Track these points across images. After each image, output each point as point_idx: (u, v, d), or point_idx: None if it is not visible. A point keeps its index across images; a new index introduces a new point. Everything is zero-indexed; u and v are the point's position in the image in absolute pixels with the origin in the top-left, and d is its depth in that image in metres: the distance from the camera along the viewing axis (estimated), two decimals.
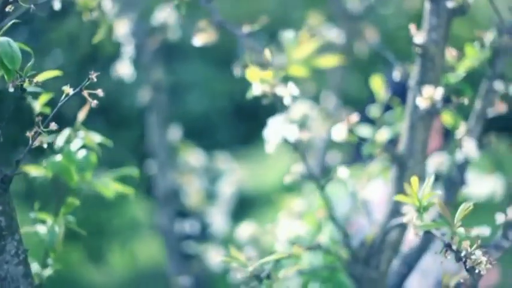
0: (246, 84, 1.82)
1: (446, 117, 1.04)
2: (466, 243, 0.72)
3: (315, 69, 0.83)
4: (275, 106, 1.17)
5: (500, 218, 0.89)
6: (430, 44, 0.88)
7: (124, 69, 1.09)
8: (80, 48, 1.64)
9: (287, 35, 0.76)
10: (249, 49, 0.78)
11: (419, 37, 0.86)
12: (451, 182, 1.01)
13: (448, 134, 1.49)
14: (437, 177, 1.06)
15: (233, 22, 0.94)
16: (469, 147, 0.99)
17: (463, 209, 0.73)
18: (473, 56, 1.01)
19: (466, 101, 0.91)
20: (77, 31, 1.58)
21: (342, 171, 0.86)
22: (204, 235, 1.27)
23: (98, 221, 1.98)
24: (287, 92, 0.79)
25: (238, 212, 1.31)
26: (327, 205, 0.86)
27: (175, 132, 1.19)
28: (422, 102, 0.85)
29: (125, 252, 2.01)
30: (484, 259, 0.72)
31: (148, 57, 1.15)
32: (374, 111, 1.05)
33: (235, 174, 1.29)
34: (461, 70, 1.01)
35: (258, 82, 0.79)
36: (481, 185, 1.61)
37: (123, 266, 2.08)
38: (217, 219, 1.26)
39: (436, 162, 1.01)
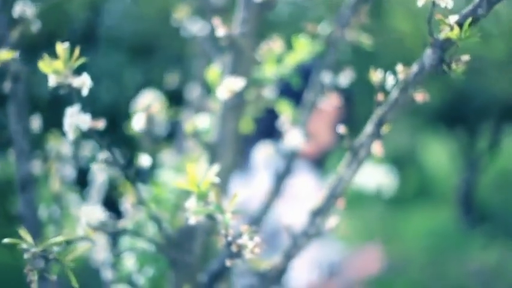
0: (160, 74, 1.81)
1: (281, 107, 1.08)
2: (231, 230, 0.75)
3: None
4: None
5: (308, 206, 0.93)
6: (239, 37, 0.92)
7: None
8: None
9: None
10: None
11: (220, 30, 0.89)
12: (278, 172, 1.04)
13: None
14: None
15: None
16: (293, 137, 1.03)
17: (233, 197, 0.77)
18: (302, 49, 1.05)
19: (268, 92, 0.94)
20: None
21: (144, 160, 0.89)
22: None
23: (7, 207, 2.01)
24: (82, 82, 0.82)
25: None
26: (134, 191, 0.89)
27: (36, 121, 1.22)
28: (222, 94, 0.89)
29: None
30: (250, 244, 0.75)
31: (8, 48, 1.18)
32: (212, 101, 1.08)
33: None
34: (290, 62, 1.05)
35: (52, 73, 0.82)
36: (370, 176, 1.66)
37: None
38: (88, 206, 1.29)
39: (264, 152, 1.05)
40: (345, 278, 1.52)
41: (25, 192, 1.19)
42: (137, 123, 0.89)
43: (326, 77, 1.04)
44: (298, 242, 0.93)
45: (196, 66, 1.32)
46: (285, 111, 1.07)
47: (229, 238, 0.75)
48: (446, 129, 4.53)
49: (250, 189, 1.36)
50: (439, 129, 4.68)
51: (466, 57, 0.80)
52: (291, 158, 1.04)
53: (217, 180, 0.78)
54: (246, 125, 1.09)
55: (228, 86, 0.88)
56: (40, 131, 1.24)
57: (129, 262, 1.07)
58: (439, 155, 5.46)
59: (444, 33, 0.79)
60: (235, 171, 1.44)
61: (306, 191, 1.35)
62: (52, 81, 0.83)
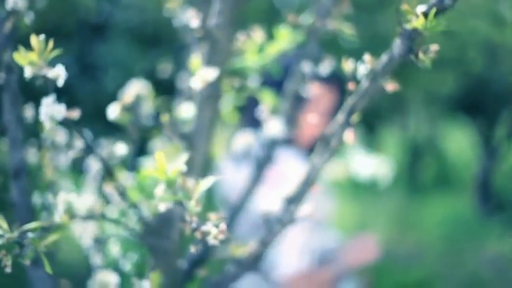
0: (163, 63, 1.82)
1: (263, 96, 1.09)
2: (194, 217, 0.77)
3: None
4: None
5: (282, 193, 0.94)
6: (214, 28, 0.93)
7: None
8: None
9: None
10: None
11: (194, 21, 0.90)
12: (259, 161, 1.06)
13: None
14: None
15: None
16: (273, 126, 1.04)
17: (200, 185, 0.79)
18: (283, 39, 1.06)
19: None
20: None
21: (120, 148, 0.91)
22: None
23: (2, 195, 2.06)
24: (57, 73, 0.85)
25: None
26: (111, 178, 0.92)
27: (29, 111, 1.25)
28: (196, 84, 0.90)
29: None
30: (214, 231, 0.77)
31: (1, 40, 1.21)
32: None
33: (104, 150, 1.35)
34: (272, 52, 1.06)
35: (28, 65, 0.84)
36: (365, 165, 1.66)
37: None
38: (85, 194, 1.32)
39: (244, 141, 1.06)
40: (338, 265, 1.52)
41: (18, 180, 1.22)
42: (112, 113, 0.91)
43: (306, 67, 1.05)
44: (273, 229, 0.94)
45: (187, 55, 1.33)
46: (267, 101, 1.08)
47: (194, 225, 0.77)
48: (465, 117, 4.49)
49: (235, 176, 1.37)
50: (458, 118, 4.64)
51: (434, 47, 0.80)
52: (271, 147, 1.05)
53: (185, 168, 0.80)
54: (230, 115, 1.10)
55: (202, 76, 0.90)
56: (35, 119, 1.27)
57: (114, 248, 1.10)
58: (458, 143, 5.41)
59: (411, 23, 0.80)
60: (226, 158, 1.46)
61: (294, 178, 1.36)
62: (28, 72, 0.85)
